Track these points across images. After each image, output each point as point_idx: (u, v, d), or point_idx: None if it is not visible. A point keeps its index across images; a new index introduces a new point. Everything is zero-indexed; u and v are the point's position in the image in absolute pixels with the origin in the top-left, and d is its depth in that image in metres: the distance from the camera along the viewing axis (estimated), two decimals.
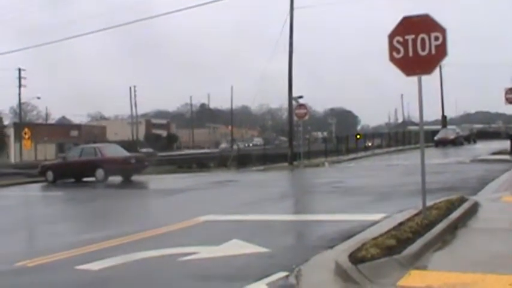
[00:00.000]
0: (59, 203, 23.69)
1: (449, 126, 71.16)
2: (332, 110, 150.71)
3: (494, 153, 36.46)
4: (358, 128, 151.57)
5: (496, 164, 28.09)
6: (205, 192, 23.29)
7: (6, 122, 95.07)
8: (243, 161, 40.64)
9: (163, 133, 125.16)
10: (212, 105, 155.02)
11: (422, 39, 10.46)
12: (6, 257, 10.84)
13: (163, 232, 12.68)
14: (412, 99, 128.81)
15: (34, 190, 30.65)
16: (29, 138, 70.33)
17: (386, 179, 24.28)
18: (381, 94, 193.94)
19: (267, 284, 7.56)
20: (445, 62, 14.95)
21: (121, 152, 33.97)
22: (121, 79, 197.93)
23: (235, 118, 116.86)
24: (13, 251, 11.68)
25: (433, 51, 10.42)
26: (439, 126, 73.50)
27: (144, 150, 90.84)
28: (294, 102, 40.87)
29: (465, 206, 12.32)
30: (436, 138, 59.79)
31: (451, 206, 12.03)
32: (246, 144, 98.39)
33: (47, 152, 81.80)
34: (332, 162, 40.17)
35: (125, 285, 8.28)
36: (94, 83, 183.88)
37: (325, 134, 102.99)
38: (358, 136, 59.71)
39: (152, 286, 8.12)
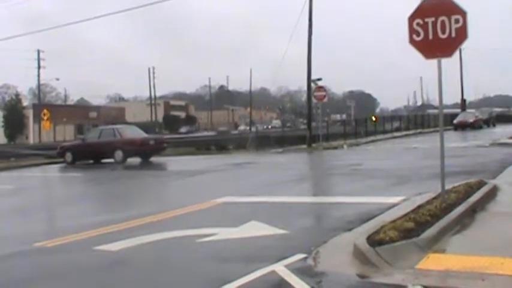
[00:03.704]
0: (78, 184, 23.83)
1: (468, 110, 70.84)
2: (351, 92, 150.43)
3: None
4: (377, 110, 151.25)
5: None
6: (224, 174, 23.28)
7: (25, 103, 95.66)
8: (262, 143, 40.49)
9: (182, 115, 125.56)
10: (231, 87, 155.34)
11: (443, 22, 10.35)
12: (26, 237, 10.93)
13: (181, 213, 12.73)
14: (431, 82, 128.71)
15: (53, 171, 30.87)
16: (48, 119, 70.80)
17: (405, 162, 24.16)
18: (400, 77, 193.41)
19: (285, 266, 7.56)
20: (465, 45, 14.81)
21: (139, 134, 34.08)
22: (140, 61, 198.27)
23: (254, 100, 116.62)
24: (33, 232, 11.78)
25: (453, 34, 10.31)
26: (458, 110, 73.15)
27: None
28: (312, 85, 40.76)
29: (484, 189, 12.28)
30: (455, 121, 59.50)
31: (470, 189, 12.00)
32: (265, 127, 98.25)
33: (66, 133, 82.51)
34: (351, 144, 40.08)
35: (143, 266, 8.32)
36: (113, 65, 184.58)
37: (344, 116, 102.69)
38: (373, 118, 59.43)
39: (170, 267, 8.16)
